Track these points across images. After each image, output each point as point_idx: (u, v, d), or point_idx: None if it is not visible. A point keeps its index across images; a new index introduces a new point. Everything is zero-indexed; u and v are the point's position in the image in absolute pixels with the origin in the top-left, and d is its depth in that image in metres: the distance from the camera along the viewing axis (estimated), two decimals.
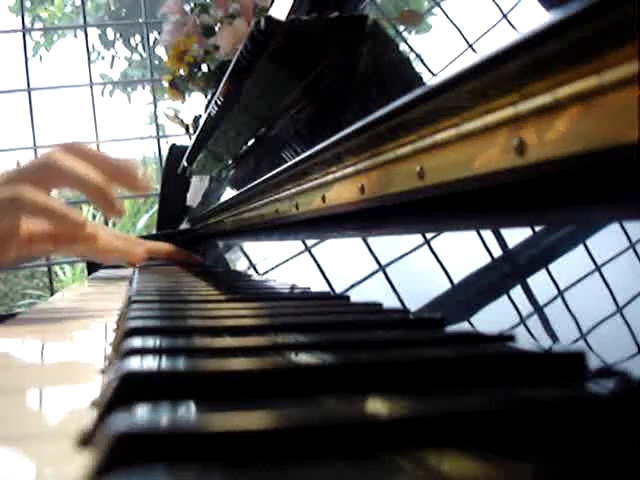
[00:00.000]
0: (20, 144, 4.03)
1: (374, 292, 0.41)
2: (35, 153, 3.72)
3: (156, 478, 0.13)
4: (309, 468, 0.14)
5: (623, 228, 0.22)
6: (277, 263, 0.69)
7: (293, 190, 0.52)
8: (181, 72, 1.43)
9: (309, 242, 0.58)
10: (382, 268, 0.42)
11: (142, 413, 0.16)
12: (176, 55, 1.41)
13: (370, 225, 0.43)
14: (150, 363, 0.22)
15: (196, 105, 1.63)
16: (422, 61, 0.38)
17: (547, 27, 0.20)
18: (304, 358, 0.24)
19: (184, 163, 1.27)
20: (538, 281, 0.27)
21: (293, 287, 0.55)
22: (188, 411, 0.17)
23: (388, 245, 0.42)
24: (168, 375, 0.20)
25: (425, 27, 0.40)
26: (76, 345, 0.39)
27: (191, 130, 1.65)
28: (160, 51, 4.60)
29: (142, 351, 0.25)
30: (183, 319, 0.37)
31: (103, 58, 5.81)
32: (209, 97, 1.42)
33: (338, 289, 0.48)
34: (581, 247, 0.24)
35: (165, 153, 2.10)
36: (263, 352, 0.25)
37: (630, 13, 0.17)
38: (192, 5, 1.43)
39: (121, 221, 4.66)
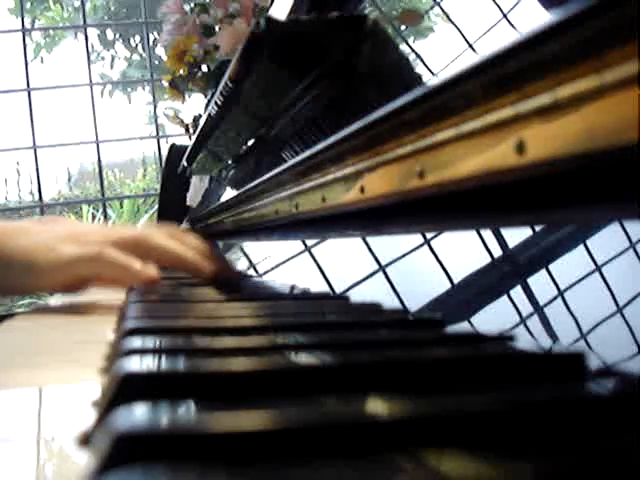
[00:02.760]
0: (20, 144, 4.03)
1: (374, 292, 0.41)
2: (35, 153, 3.72)
3: (156, 478, 0.13)
4: (309, 468, 0.14)
5: (623, 228, 0.22)
6: (277, 263, 0.69)
7: (293, 190, 0.52)
8: (181, 72, 1.43)
9: (309, 242, 0.58)
10: (382, 268, 0.42)
11: (142, 413, 0.16)
12: (176, 55, 1.41)
13: (370, 225, 0.43)
14: (150, 363, 0.22)
15: (196, 105, 1.63)
16: (422, 61, 0.38)
17: (547, 27, 0.20)
18: (304, 358, 0.24)
19: (184, 163, 1.27)
20: (538, 281, 0.27)
21: (293, 287, 0.55)
22: (188, 411, 0.17)
23: (388, 245, 0.42)
24: (168, 375, 0.20)
25: (424, 32, 0.40)
26: (76, 345, 0.39)
27: (191, 130, 1.65)
28: (160, 51, 4.60)
29: (142, 351, 0.25)
30: (183, 319, 0.37)
31: (103, 58, 5.81)
32: (209, 97, 1.42)
33: (338, 289, 0.48)
34: (581, 247, 0.24)
35: (165, 153, 2.10)
36: (263, 352, 0.25)
37: (630, 13, 0.17)
38: (192, 5, 1.43)
39: (121, 221, 4.66)
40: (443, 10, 0.38)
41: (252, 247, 0.86)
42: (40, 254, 0.55)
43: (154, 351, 0.25)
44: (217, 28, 1.35)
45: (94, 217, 4.67)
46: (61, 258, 0.55)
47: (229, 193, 0.98)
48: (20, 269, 0.56)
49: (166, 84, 1.52)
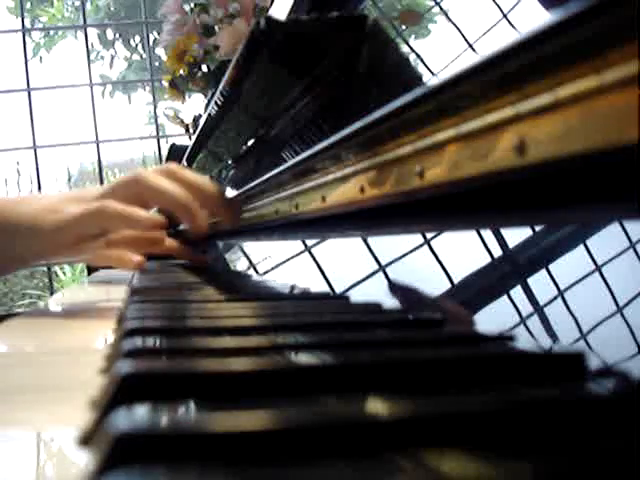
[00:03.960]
0: (20, 144, 4.03)
1: (374, 292, 0.41)
2: (35, 153, 3.72)
3: (156, 478, 0.13)
4: (309, 468, 0.14)
5: (623, 228, 0.22)
6: (277, 263, 0.69)
7: (293, 190, 0.52)
8: (181, 72, 1.43)
9: (309, 242, 0.58)
10: (382, 268, 0.42)
11: (142, 413, 0.16)
12: (176, 55, 1.41)
13: (370, 225, 0.43)
14: (150, 363, 0.22)
15: (196, 105, 1.63)
16: (422, 61, 0.38)
17: (547, 27, 0.20)
18: (304, 358, 0.24)
19: (184, 163, 1.27)
20: (538, 281, 0.27)
21: (293, 287, 0.55)
22: (188, 411, 0.17)
23: (388, 245, 0.42)
24: (168, 375, 0.20)
25: (424, 32, 0.40)
26: (76, 345, 0.39)
27: (191, 130, 1.65)
28: (160, 51, 4.60)
29: (142, 351, 0.25)
30: (183, 319, 0.37)
31: (102, 58, 5.80)
32: (209, 97, 1.42)
33: (338, 289, 0.48)
34: (581, 247, 0.24)
35: (165, 153, 2.10)
36: (263, 352, 0.25)
37: (630, 13, 0.17)
38: (192, 5, 1.43)
39: None
40: (443, 10, 0.38)
41: (252, 247, 0.86)
42: (45, 217, 0.56)
43: (154, 351, 0.25)
44: (217, 28, 1.35)
45: None
46: (65, 217, 0.56)
47: (229, 193, 0.98)
48: (27, 234, 0.56)
49: (166, 84, 1.52)
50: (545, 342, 0.25)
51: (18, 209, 0.58)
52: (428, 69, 0.37)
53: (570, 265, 0.25)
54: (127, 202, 0.56)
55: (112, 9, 5.64)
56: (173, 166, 0.63)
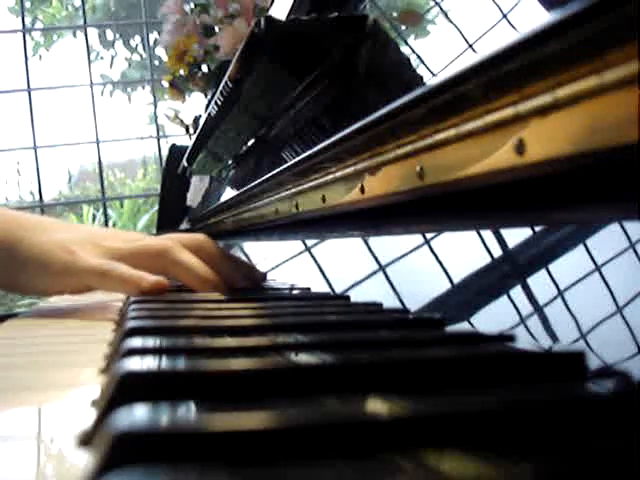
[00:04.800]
0: (20, 144, 4.03)
1: (374, 292, 0.41)
2: (35, 153, 3.72)
3: (156, 478, 0.13)
4: (309, 468, 0.14)
5: (623, 228, 0.22)
6: (277, 263, 0.69)
7: (293, 190, 0.52)
8: (181, 72, 1.43)
9: (309, 242, 0.58)
10: (382, 268, 0.42)
11: (142, 413, 0.16)
12: (176, 55, 1.41)
13: (370, 225, 0.43)
14: (150, 363, 0.22)
15: (196, 105, 1.63)
16: (422, 61, 0.38)
17: (547, 27, 0.20)
18: (304, 358, 0.24)
19: (184, 163, 1.27)
20: (538, 281, 0.27)
21: (293, 287, 0.55)
22: (188, 411, 0.17)
23: (388, 245, 0.42)
24: (168, 375, 0.20)
25: (424, 31, 0.40)
26: (76, 345, 0.39)
27: (191, 130, 1.65)
28: (160, 51, 4.60)
29: (142, 351, 0.25)
30: (183, 319, 0.37)
31: (102, 58, 5.81)
32: (209, 97, 1.42)
33: (338, 289, 0.48)
34: (581, 247, 0.24)
35: (165, 153, 2.10)
36: (263, 352, 0.25)
37: (630, 13, 0.17)
38: (192, 5, 1.43)
39: (121, 221, 4.66)
40: (443, 10, 0.38)
41: (252, 247, 0.86)
42: (57, 256, 0.53)
43: (154, 351, 0.25)
44: (217, 28, 1.35)
45: (94, 217, 4.67)
46: (77, 265, 0.53)
47: (229, 193, 0.98)
48: (34, 270, 0.54)
49: (166, 84, 1.52)
50: (545, 342, 0.25)
51: (31, 238, 0.54)
52: (428, 69, 0.37)
53: (570, 265, 0.25)
54: (148, 271, 0.53)
55: (112, 9, 5.64)
56: (203, 240, 0.60)
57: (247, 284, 0.59)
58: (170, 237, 0.60)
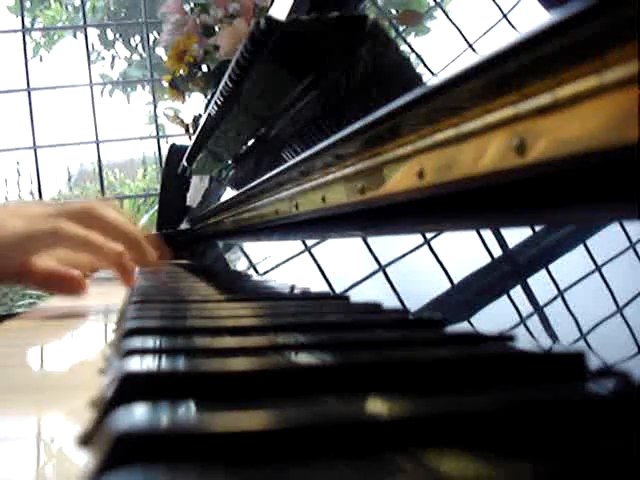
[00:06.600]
0: (20, 144, 4.03)
1: (374, 292, 0.41)
2: (35, 153, 3.72)
3: (156, 478, 0.13)
4: (309, 468, 0.14)
5: (623, 228, 0.22)
6: (277, 263, 0.69)
7: (293, 190, 0.52)
8: (181, 72, 1.43)
9: (309, 242, 0.58)
10: (382, 268, 0.42)
11: (142, 413, 0.16)
12: (176, 55, 1.41)
13: (370, 225, 0.43)
14: (150, 363, 0.22)
15: (196, 105, 1.63)
16: (422, 61, 0.38)
17: (547, 27, 0.20)
18: (304, 358, 0.24)
19: (184, 163, 1.27)
20: (538, 281, 0.27)
21: (293, 287, 0.55)
22: (188, 411, 0.17)
23: (388, 245, 0.42)
24: (168, 375, 0.20)
25: (424, 29, 0.40)
26: (76, 345, 0.39)
27: (191, 130, 1.65)
28: (160, 51, 4.60)
29: (142, 351, 0.25)
30: (183, 319, 0.37)
31: (103, 58, 5.81)
32: (209, 97, 1.42)
33: (338, 289, 0.48)
34: (581, 247, 0.24)
35: (165, 153, 2.10)
36: (263, 352, 0.25)
37: (630, 13, 0.17)
38: (192, 5, 1.43)
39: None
40: (443, 10, 0.38)
41: (252, 247, 0.86)
42: None
43: (154, 351, 0.25)
44: (217, 28, 1.35)
45: None
46: (13, 233, 0.50)
47: (229, 193, 0.98)
48: None
49: (166, 84, 1.52)
50: (545, 342, 0.25)
51: None
52: (428, 69, 0.37)
53: (570, 265, 0.25)
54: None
55: (112, 9, 5.64)
56: (91, 206, 0.55)
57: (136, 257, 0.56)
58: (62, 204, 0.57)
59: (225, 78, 0.72)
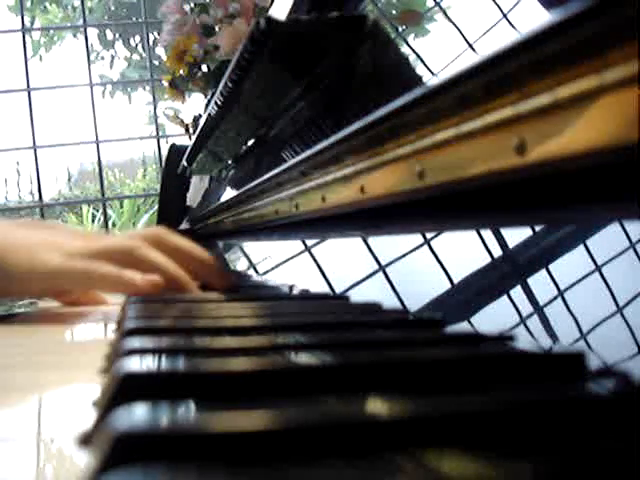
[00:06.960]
0: (20, 144, 4.03)
1: (374, 292, 0.41)
2: (35, 153, 3.72)
3: (156, 478, 0.13)
4: (309, 468, 0.14)
5: (623, 228, 0.22)
6: (277, 263, 0.69)
7: (293, 190, 0.52)
8: (181, 72, 1.43)
9: (309, 242, 0.58)
10: (382, 268, 0.42)
11: (142, 413, 0.16)
12: (176, 55, 1.41)
13: (370, 225, 0.43)
14: (150, 363, 0.22)
15: (196, 105, 1.63)
16: (422, 61, 0.38)
17: (547, 27, 0.20)
18: (304, 358, 0.24)
19: (184, 163, 1.27)
20: (538, 281, 0.27)
21: (293, 287, 0.55)
22: (188, 411, 0.17)
23: (388, 245, 0.42)
24: (168, 375, 0.20)
25: (424, 31, 0.40)
26: (76, 345, 0.39)
27: (191, 130, 1.65)
28: (160, 51, 4.60)
29: (142, 351, 0.25)
30: (183, 319, 0.37)
31: (103, 58, 5.81)
32: (209, 97, 1.41)
33: (338, 289, 0.48)
34: (581, 247, 0.24)
35: (165, 153, 2.10)
36: (263, 352, 0.25)
37: (630, 13, 0.17)
38: (192, 5, 1.43)
39: (121, 221, 4.66)
40: (443, 10, 0.38)
41: (252, 247, 0.86)
42: (18, 255, 0.50)
43: (154, 351, 0.25)
44: (217, 28, 1.35)
45: (94, 217, 4.67)
46: (43, 266, 0.50)
47: (229, 193, 0.98)
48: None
49: (166, 84, 1.52)
50: (545, 342, 0.25)
51: None
52: (428, 69, 0.37)
53: (570, 265, 0.25)
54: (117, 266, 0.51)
55: (112, 9, 5.64)
56: (161, 232, 0.59)
57: (214, 282, 0.57)
58: (131, 235, 0.58)
59: (225, 78, 0.72)
